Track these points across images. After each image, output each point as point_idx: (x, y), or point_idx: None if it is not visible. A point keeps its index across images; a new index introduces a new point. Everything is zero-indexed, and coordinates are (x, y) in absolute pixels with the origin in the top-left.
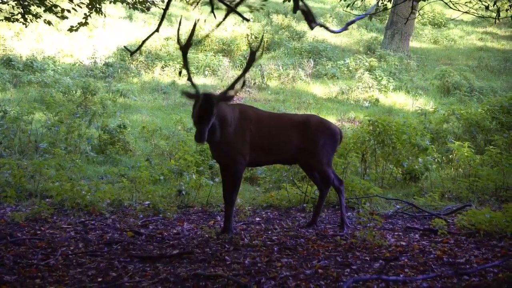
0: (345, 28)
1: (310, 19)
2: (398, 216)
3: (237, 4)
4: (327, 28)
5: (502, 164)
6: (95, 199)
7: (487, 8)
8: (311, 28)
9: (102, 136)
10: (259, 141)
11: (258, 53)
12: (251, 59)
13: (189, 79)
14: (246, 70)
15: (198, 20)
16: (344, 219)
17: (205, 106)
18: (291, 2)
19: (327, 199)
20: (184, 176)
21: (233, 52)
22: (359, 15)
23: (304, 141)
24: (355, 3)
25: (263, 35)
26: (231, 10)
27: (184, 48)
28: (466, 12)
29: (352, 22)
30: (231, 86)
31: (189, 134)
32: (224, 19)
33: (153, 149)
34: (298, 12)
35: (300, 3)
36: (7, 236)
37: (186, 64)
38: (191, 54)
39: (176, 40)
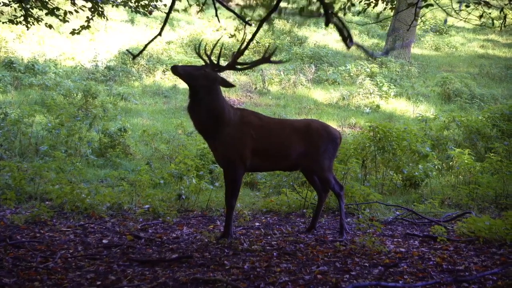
0: (385, 54)
1: (346, 36)
2: (398, 222)
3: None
4: (366, 51)
5: (502, 172)
6: (95, 202)
7: (481, 17)
8: (348, 47)
9: (102, 139)
10: (261, 147)
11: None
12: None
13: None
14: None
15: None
16: (343, 224)
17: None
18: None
19: (326, 204)
20: (184, 180)
21: None
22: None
23: (306, 146)
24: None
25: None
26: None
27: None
28: (463, 20)
29: (393, 49)
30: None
31: (189, 138)
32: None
33: (153, 153)
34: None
35: (334, 18)
36: (6, 239)
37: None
38: (193, 59)
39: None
